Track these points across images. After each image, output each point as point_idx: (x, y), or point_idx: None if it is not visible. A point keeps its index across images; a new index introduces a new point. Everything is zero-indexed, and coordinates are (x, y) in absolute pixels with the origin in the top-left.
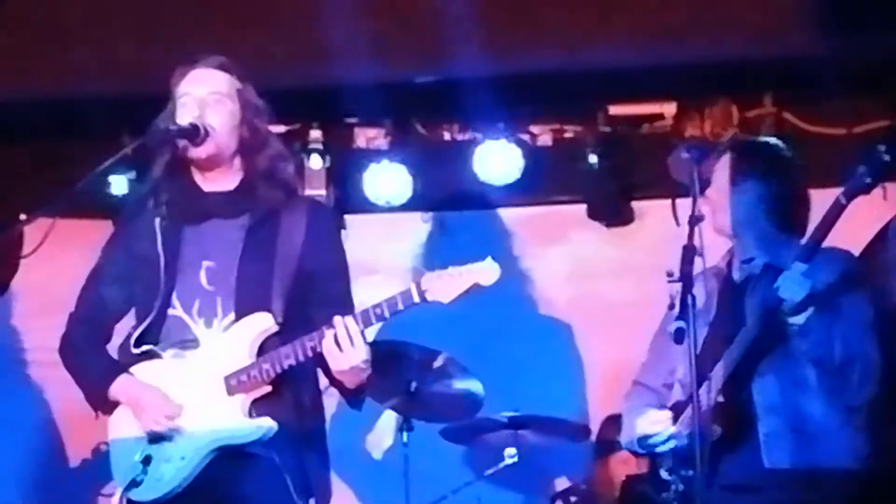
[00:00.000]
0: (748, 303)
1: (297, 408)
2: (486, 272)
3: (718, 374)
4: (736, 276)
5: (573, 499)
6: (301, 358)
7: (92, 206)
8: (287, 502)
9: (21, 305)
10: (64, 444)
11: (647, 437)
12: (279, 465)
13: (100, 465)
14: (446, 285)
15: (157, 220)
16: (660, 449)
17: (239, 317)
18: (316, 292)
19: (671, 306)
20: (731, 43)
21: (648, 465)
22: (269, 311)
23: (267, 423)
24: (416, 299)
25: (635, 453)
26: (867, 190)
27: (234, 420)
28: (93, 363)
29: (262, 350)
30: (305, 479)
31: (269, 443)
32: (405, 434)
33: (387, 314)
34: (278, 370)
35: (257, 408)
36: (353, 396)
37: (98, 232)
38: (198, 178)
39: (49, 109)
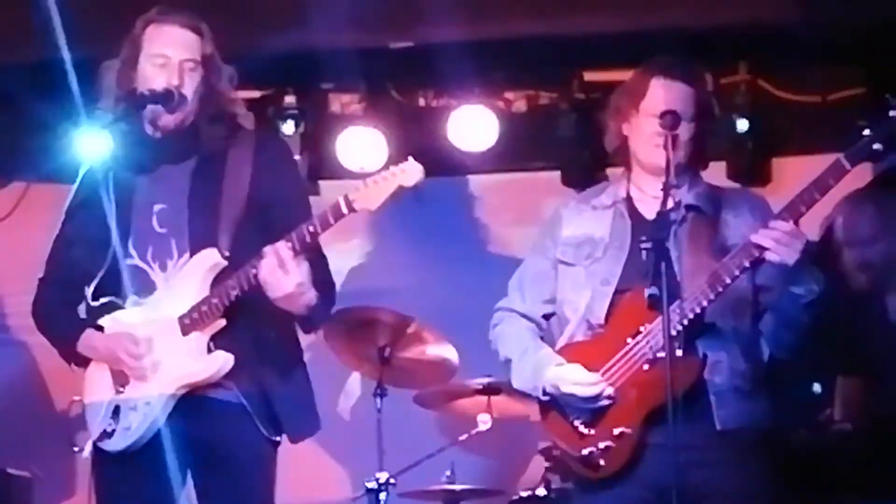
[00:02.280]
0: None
1: (256, 342)
2: (408, 173)
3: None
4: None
5: (546, 464)
6: (245, 286)
7: (61, 169)
8: (255, 438)
9: None
10: (53, 403)
11: (573, 395)
12: (244, 404)
13: (77, 420)
14: (372, 192)
15: (110, 174)
16: (580, 406)
17: (193, 256)
18: (274, 221)
19: (644, 273)
20: (706, 10)
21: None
22: (216, 246)
23: (222, 357)
24: (345, 211)
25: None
26: (877, 157)
27: (192, 358)
28: (62, 323)
29: (214, 286)
30: (273, 413)
31: (233, 381)
32: (378, 399)
33: (319, 230)
34: (226, 302)
35: (216, 344)
36: (306, 323)
37: (66, 196)
38: (147, 127)
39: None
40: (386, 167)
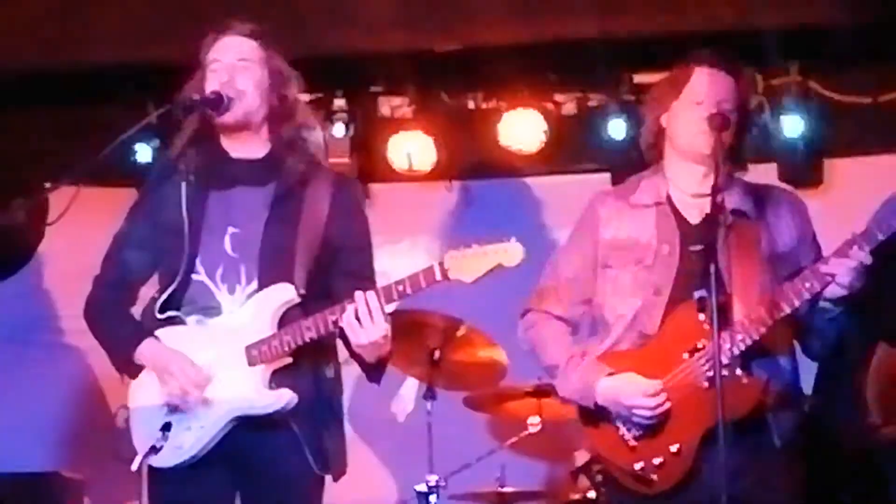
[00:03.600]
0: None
1: (316, 380)
2: (510, 253)
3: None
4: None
5: (596, 468)
6: (322, 331)
7: (116, 174)
8: (305, 472)
9: (49, 271)
10: (106, 406)
11: (635, 406)
12: (298, 435)
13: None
14: (469, 264)
15: (183, 185)
16: (637, 419)
17: (262, 285)
18: (338, 265)
19: (692, 274)
20: (756, 11)
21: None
22: (292, 282)
23: (287, 395)
24: (439, 277)
25: (584, 408)
26: None
27: (255, 391)
28: (117, 326)
29: (284, 321)
30: (324, 450)
31: (288, 413)
32: (428, 402)
33: (409, 291)
34: (299, 342)
35: (277, 379)
36: (372, 370)
37: (122, 200)
38: (226, 144)
39: (75, 78)
40: (436, 172)
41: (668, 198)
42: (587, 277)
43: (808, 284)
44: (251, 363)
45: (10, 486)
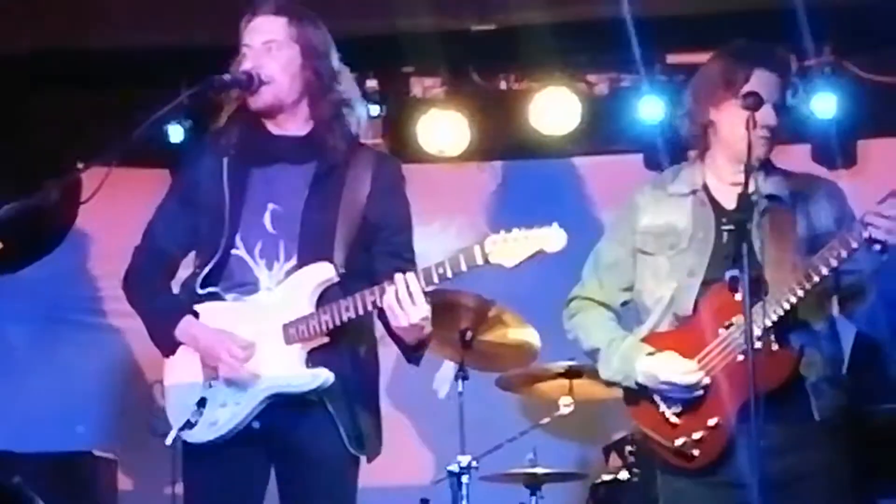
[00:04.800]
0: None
1: (352, 360)
2: (552, 239)
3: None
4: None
5: (628, 448)
6: (360, 311)
7: (149, 154)
8: (339, 452)
9: (83, 251)
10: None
11: (671, 383)
12: (333, 414)
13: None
14: (511, 249)
15: (225, 161)
16: (675, 396)
17: (301, 262)
18: (379, 245)
19: (726, 256)
20: None
21: (648, 404)
22: (331, 261)
23: (324, 374)
24: (479, 261)
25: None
26: None
27: (292, 369)
28: (156, 298)
29: (322, 300)
30: (358, 431)
31: (323, 393)
32: (460, 383)
33: (449, 274)
34: (337, 322)
35: (314, 358)
36: (412, 352)
37: (155, 180)
38: (267, 121)
39: (111, 59)
40: (467, 153)
41: (705, 185)
42: (627, 264)
43: (835, 253)
44: (288, 342)
45: (43, 465)
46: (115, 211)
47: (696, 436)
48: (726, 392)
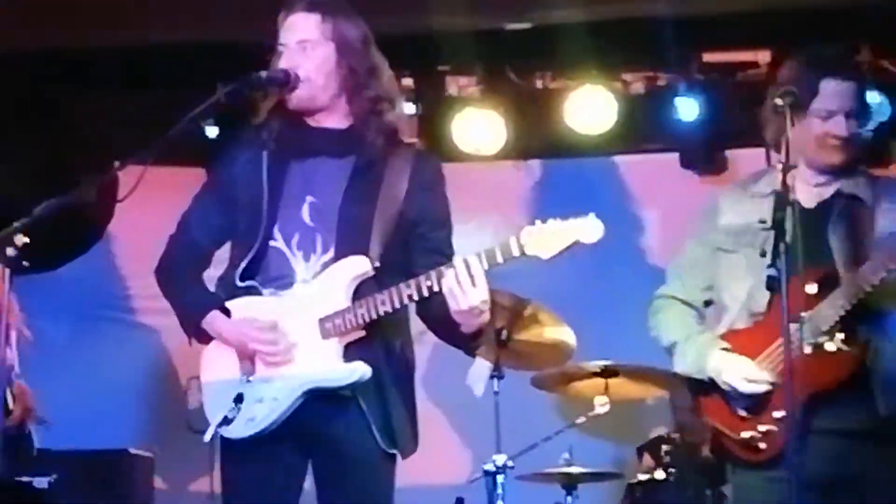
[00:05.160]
0: (832, 232)
1: (387, 354)
2: (589, 229)
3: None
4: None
5: (664, 448)
6: (397, 305)
7: (185, 153)
8: (373, 448)
9: (119, 250)
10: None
11: (731, 387)
12: (365, 410)
13: (194, 400)
14: (547, 240)
15: (265, 154)
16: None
17: (337, 255)
18: (416, 240)
19: (762, 254)
20: None
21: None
22: (367, 254)
23: (361, 369)
24: (516, 252)
25: (695, 381)
26: None
27: (329, 364)
28: (188, 288)
29: (358, 294)
30: (391, 427)
31: (357, 388)
32: (496, 382)
33: (485, 266)
34: (373, 316)
35: (350, 352)
36: (468, 341)
37: (191, 179)
38: (307, 116)
39: (149, 59)
40: (503, 151)
41: (785, 185)
42: (707, 263)
43: None
44: (324, 336)
45: (79, 463)
46: (151, 209)
47: (763, 429)
48: (793, 386)
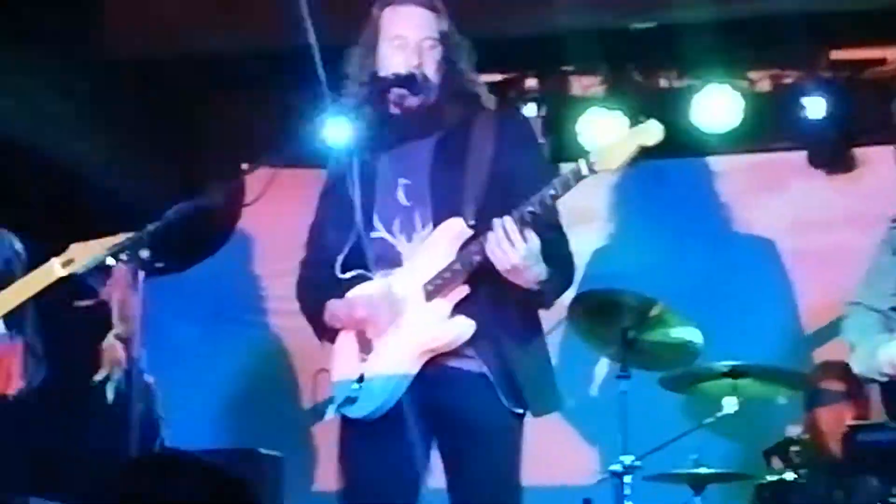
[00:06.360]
0: None
1: (498, 310)
2: (649, 132)
3: None
4: None
5: (793, 449)
6: (486, 254)
7: (308, 154)
8: (497, 410)
9: (246, 252)
10: (301, 385)
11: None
12: (486, 374)
13: (323, 390)
14: (612, 152)
15: (356, 156)
16: None
17: (436, 227)
18: (516, 195)
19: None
20: None
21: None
22: (461, 215)
23: (463, 322)
24: (586, 172)
25: (871, 381)
26: None
27: (435, 324)
28: (318, 304)
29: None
30: (514, 383)
31: (474, 350)
32: (623, 382)
33: (560, 192)
34: (468, 268)
35: (458, 310)
36: (535, 297)
37: (314, 180)
38: (391, 107)
39: (269, 60)
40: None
41: None
42: (892, 269)
43: None
44: (428, 299)
45: (209, 463)
46: (276, 210)
47: None
48: None
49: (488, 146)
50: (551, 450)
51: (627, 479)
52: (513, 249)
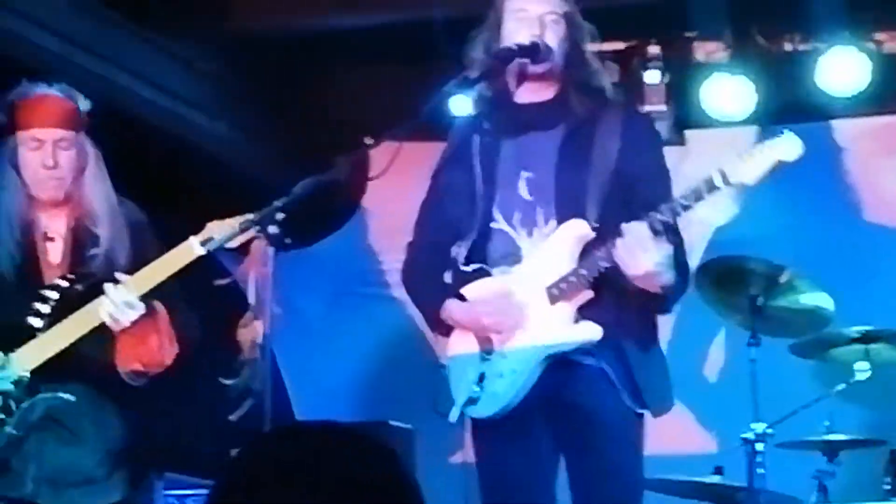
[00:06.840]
0: None
1: (620, 313)
2: (787, 147)
3: None
4: None
5: None
6: (614, 261)
7: (434, 128)
8: (621, 409)
9: (371, 225)
10: (431, 356)
11: None
12: (607, 371)
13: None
14: (748, 166)
15: (476, 137)
16: None
17: (559, 226)
18: (636, 198)
19: None
20: None
21: None
22: (584, 217)
23: (592, 328)
24: (720, 185)
25: None
26: None
27: (560, 328)
28: (428, 290)
29: (583, 258)
30: (636, 385)
31: (596, 352)
32: (752, 350)
33: (692, 203)
34: (595, 274)
35: (582, 314)
36: (657, 300)
37: (436, 154)
38: (512, 90)
39: (396, 34)
40: (753, 116)
41: None
42: None
43: None
44: (552, 302)
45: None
46: (398, 184)
47: None
48: None
49: (613, 145)
50: (681, 418)
51: (760, 446)
52: (645, 255)
